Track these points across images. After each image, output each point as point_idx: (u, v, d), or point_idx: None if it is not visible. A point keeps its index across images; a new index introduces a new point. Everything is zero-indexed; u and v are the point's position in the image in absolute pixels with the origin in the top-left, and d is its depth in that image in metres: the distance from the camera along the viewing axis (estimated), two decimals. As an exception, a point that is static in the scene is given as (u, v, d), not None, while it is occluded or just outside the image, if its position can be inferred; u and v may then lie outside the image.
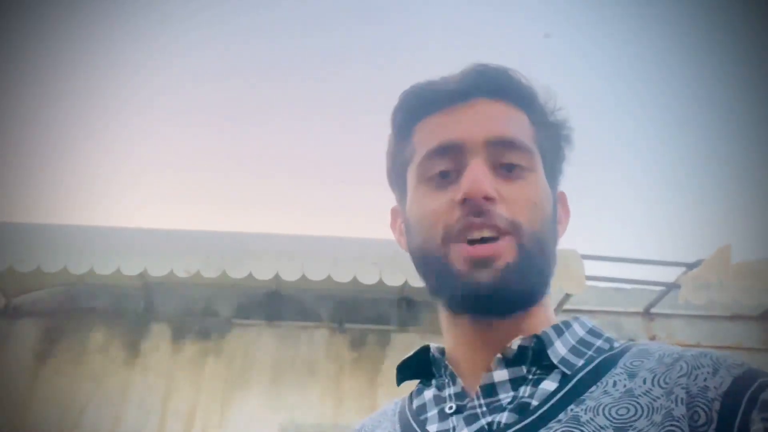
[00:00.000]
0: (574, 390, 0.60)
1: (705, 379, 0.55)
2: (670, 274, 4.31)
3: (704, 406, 0.53)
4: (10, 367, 3.87)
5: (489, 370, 0.64)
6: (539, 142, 0.71)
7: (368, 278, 3.67)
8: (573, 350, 0.65)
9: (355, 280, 3.67)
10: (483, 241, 0.64)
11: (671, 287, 4.20)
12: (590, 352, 0.66)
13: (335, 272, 3.68)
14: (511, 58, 0.76)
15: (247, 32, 8.66)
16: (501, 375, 0.63)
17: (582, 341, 0.67)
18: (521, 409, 0.60)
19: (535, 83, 0.74)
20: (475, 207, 0.64)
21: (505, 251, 0.63)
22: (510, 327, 0.66)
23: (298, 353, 4.05)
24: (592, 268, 4.35)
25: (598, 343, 0.68)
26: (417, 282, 3.31)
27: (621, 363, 0.62)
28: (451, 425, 0.63)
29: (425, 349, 0.74)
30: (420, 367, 0.74)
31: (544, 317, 0.69)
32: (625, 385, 0.59)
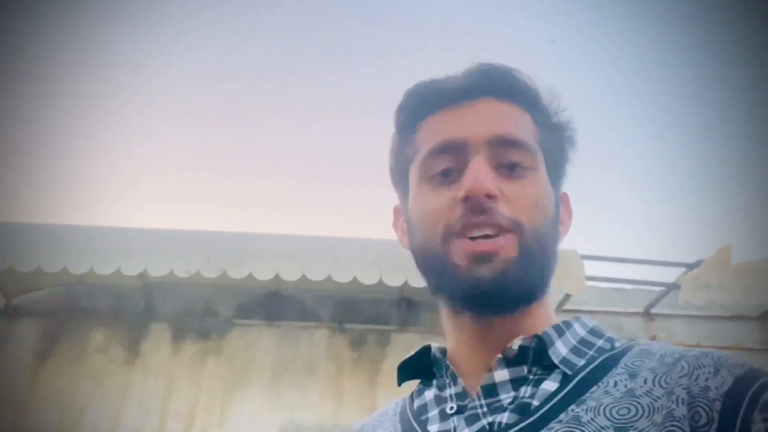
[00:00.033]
0: (575, 390, 0.60)
1: (706, 379, 0.55)
2: (670, 275, 4.32)
3: (705, 407, 0.53)
4: (10, 367, 3.86)
5: (490, 370, 0.64)
6: (542, 142, 0.71)
7: (368, 278, 3.67)
8: (574, 350, 0.65)
9: (355, 281, 3.67)
10: (484, 238, 0.64)
11: (671, 287, 4.20)
12: (591, 352, 0.66)
13: (335, 272, 3.68)
14: (511, 58, 0.76)
15: (247, 32, 8.67)
16: (502, 375, 0.63)
17: (583, 341, 0.67)
18: (522, 409, 0.60)
19: (539, 84, 0.74)
20: (476, 205, 0.64)
21: (505, 247, 0.63)
22: (511, 326, 0.66)
23: (298, 353, 4.05)
24: (592, 268, 4.36)
25: (599, 343, 0.68)
26: (417, 282, 3.31)
27: (622, 363, 0.62)
28: (452, 425, 0.63)
29: (426, 349, 0.74)
30: (421, 367, 0.74)
31: (544, 317, 0.69)
32: (626, 385, 0.58)
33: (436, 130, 0.71)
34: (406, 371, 0.75)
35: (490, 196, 0.64)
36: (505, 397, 0.62)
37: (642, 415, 0.54)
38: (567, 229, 0.76)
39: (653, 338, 4.10)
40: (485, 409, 0.62)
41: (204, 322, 4.13)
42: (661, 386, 0.57)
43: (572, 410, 0.58)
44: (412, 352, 0.74)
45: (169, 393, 3.86)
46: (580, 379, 0.61)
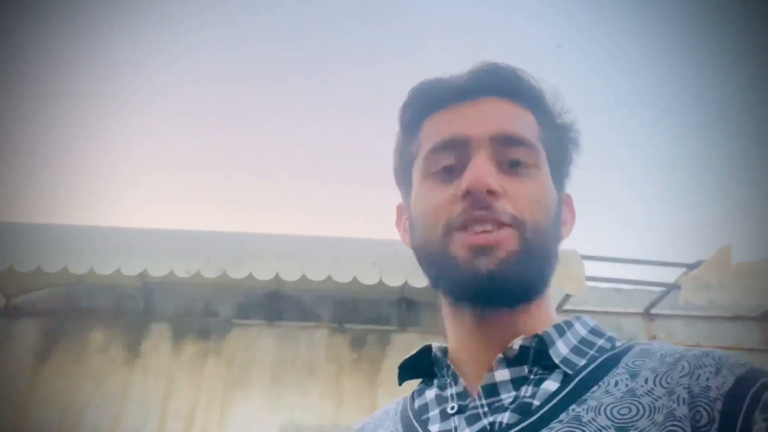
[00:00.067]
0: (576, 390, 0.60)
1: (707, 379, 0.55)
2: (670, 275, 4.32)
3: (706, 406, 0.53)
4: (10, 367, 3.86)
5: (491, 370, 0.64)
6: (545, 141, 0.71)
7: (368, 278, 3.67)
8: (575, 350, 0.65)
9: (355, 281, 3.67)
10: (485, 233, 0.64)
11: (671, 288, 4.20)
12: (592, 352, 0.65)
13: (335, 272, 3.68)
14: (511, 58, 0.76)
15: (247, 32, 8.67)
16: (502, 375, 0.63)
17: (584, 341, 0.67)
18: (523, 409, 0.60)
19: (544, 85, 0.74)
20: (477, 200, 0.64)
21: (506, 241, 0.64)
22: (511, 324, 0.66)
23: (298, 353, 4.05)
24: (592, 268, 4.36)
25: (600, 342, 0.68)
26: (417, 282, 3.32)
27: (623, 362, 0.62)
28: (453, 425, 0.63)
29: (427, 349, 0.74)
30: (422, 367, 0.74)
31: (545, 316, 0.69)
32: (626, 385, 0.58)
33: (439, 128, 0.71)
34: (407, 370, 0.75)
35: (491, 192, 0.64)
36: (506, 396, 0.62)
37: (643, 415, 0.54)
38: (570, 230, 0.76)
39: (653, 338, 4.10)
40: (486, 408, 0.62)
41: (204, 322, 4.13)
42: (662, 386, 0.57)
43: (573, 410, 0.58)
44: (413, 352, 0.74)
45: (169, 393, 3.86)
46: (580, 379, 0.61)
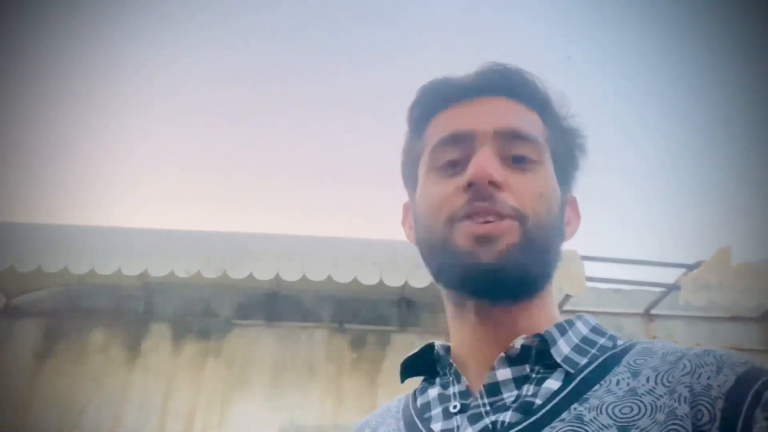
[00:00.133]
0: (578, 389, 0.60)
1: (708, 378, 0.55)
2: (670, 276, 4.32)
3: (707, 405, 0.53)
4: (10, 367, 3.86)
5: (493, 368, 0.64)
6: (551, 142, 0.72)
7: (368, 279, 3.67)
8: (576, 349, 0.65)
9: (355, 281, 3.67)
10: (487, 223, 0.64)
11: (671, 288, 4.20)
12: (594, 351, 0.66)
13: (335, 273, 3.68)
14: (512, 57, 0.76)
15: (247, 32, 8.67)
16: (504, 374, 0.63)
17: (585, 339, 0.67)
18: (525, 408, 0.60)
19: (550, 88, 0.75)
20: (480, 191, 0.64)
21: (508, 232, 0.64)
22: (513, 322, 0.67)
23: (298, 354, 4.05)
24: (592, 269, 4.36)
25: (602, 341, 0.68)
26: (417, 283, 3.31)
27: (624, 361, 0.62)
28: (456, 424, 0.63)
29: (430, 347, 0.74)
30: (424, 365, 0.74)
31: (547, 314, 0.69)
32: (628, 384, 0.59)
33: (445, 124, 0.72)
34: (409, 368, 0.75)
35: (493, 184, 0.65)
36: (508, 395, 0.62)
37: (644, 414, 0.54)
38: (574, 231, 0.77)
39: (653, 339, 4.10)
40: (488, 408, 0.62)
41: (204, 322, 4.13)
42: (663, 384, 0.57)
43: (575, 409, 0.58)
44: (416, 350, 0.74)
45: (169, 393, 3.86)
46: (582, 378, 0.61)
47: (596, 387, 0.60)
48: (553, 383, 0.61)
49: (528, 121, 0.71)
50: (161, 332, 4.07)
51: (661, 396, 0.55)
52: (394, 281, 3.66)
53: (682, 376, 0.56)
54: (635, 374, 0.60)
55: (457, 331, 0.72)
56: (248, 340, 4.08)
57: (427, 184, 0.71)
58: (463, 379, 0.67)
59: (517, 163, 0.68)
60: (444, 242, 0.66)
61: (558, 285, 3.47)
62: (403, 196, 0.82)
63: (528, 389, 0.62)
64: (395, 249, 3.71)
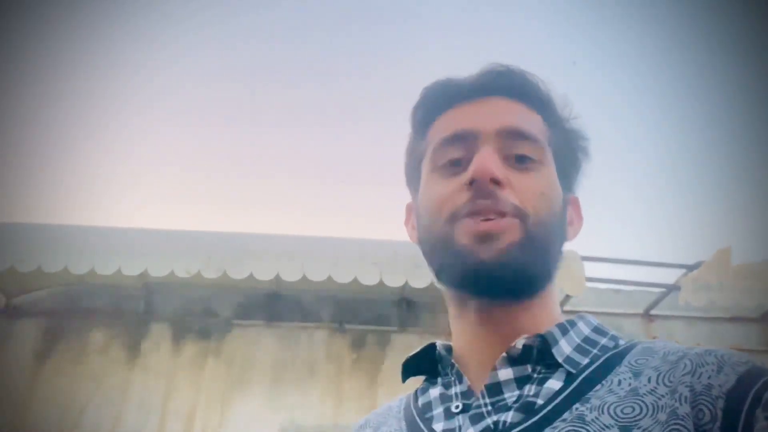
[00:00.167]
0: (579, 389, 0.60)
1: (709, 377, 0.55)
2: (670, 276, 4.32)
3: (709, 404, 0.53)
4: (10, 367, 3.86)
5: (494, 368, 0.64)
6: (553, 143, 0.72)
7: (368, 279, 3.67)
8: (578, 349, 0.65)
9: (355, 281, 3.67)
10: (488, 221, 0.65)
11: (671, 289, 4.20)
12: (595, 351, 0.66)
13: (336, 273, 3.68)
14: (513, 58, 0.76)
15: (248, 33, 8.67)
16: (506, 374, 0.63)
17: (587, 339, 0.67)
18: (526, 408, 0.60)
19: (553, 90, 0.75)
20: (482, 189, 0.65)
21: (509, 229, 0.64)
22: (515, 322, 0.67)
23: (298, 354, 4.05)
24: (591, 269, 4.36)
25: (603, 341, 0.68)
26: (417, 283, 3.31)
27: (626, 361, 0.63)
28: (457, 424, 0.63)
29: (431, 347, 0.74)
30: (426, 365, 0.74)
31: (549, 314, 0.69)
32: (630, 384, 0.59)
33: (447, 124, 0.73)
34: (410, 368, 0.75)
35: (495, 181, 0.65)
36: (510, 396, 0.62)
37: (646, 414, 0.54)
38: (576, 232, 0.77)
39: (653, 339, 4.10)
40: (490, 408, 0.62)
41: (204, 322, 4.13)
42: (664, 384, 0.57)
43: (576, 409, 0.58)
44: (418, 349, 0.74)
45: (169, 393, 3.86)
46: (584, 378, 0.61)
47: (598, 387, 0.60)
48: (554, 383, 0.61)
49: (530, 121, 0.72)
50: (161, 332, 4.07)
51: (662, 396, 0.56)
52: (394, 281, 3.66)
53: (683, 375, 0.56)
54: (637, 374, 0.60)
55: (458, 331, 0.72)
56: (248, 340, 4.08)
57: (430, 183, 0.72)
58: (465, 379, 0.67)
59: (519, 162, 0.69)
60: (446, 240, 0.67)
61: (558, 285, 3.47)
62: (404, 196, 0.83)
63: (529, 389, 0.62)
64: (395, 249, 3.71)
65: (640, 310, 4.40)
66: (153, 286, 4.13)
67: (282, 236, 4.04)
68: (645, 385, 0.58)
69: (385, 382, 3.92)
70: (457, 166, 0.69)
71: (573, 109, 0.76)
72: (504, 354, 0.64)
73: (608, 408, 0.57)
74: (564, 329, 0.67)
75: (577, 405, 0.58)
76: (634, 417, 0.55)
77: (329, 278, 3.67)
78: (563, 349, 0.64)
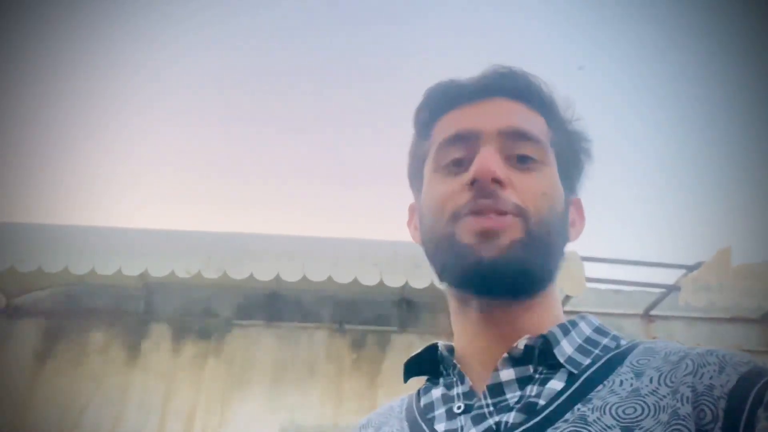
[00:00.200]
0: (581, 389, 0.60)
1: (711, 377, 0.55)
2: (670, 276, 4.32)
3: (710, 404, 0.53)
4: (10, 367, 3.86)
5: (496, 369, 0.64)
6: (555, 144, 0.73)
7: (369, 279, 3.67)
8: (579, 349, 0.66)
9: (355, 281, 3.67)
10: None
11: (671, 289, 4.20)
12: (597, 351, 0.66)
13: (336, 273, 3.68)
14: (513, 58, 0.76)
15: (248, 32, 8.68)
16: (508, 374, 0.64)
17: (588, 340, 0.67)
18: (528, 408, 0.60)
19: (556, 92, 0.76)
20: (483, 188, 0.65)
21: (511, 228, 0.65)
22: (516, 321, 0.67)
23: (298, 354, 4.05)
24: (591, 269, 4.36)
25: (605, 341, 0.68)
26: (417, 283, 3.31)
27: (627, 362, 0.63)
28: (459, 424, 0.63)
29: (433, 347, 0.74)
30: (428, 365, 0.74)
31: (551, 314, 0.70)
32: (631, 384, 0.59)
33: (450, 124, 0.73)
34: (412, 368, 0.75)
35: (496, 181, 0.65)
36: (512, 396, 0.62)
37: (648, 414, 0.55)
38: (578, 233, 0.77)
39: (654, 339, 4.10)
40: (492, 408, 0.62)
41: (204, 322, 4.13)
42: (666, 385, 0.57)
43: (578, 409, 0.58)
44: (420, 350, 0.74)
45: (170, 393, 3.86)
46: (585, 378, 0.61)
47: (599, 387, 0.60)
48: (556, 384, 0.61)
49: (532, 122, 0.72)
50: (161, 332, 4.07)
51: (664, 396, 0.56)
52: (394, 282, 3.66)
53: (685, 376, 0.57)
54: (638, 374, 0.60)
55: (460, 331, 0.72)
56: (248, 340, 4.08)
57: (432, 183, 0.72)
58: (467, 379, 0.67)
59: (521, 162, 0.69)
60: (448, 239, 0.67)
61: (558, 285, 3.47)
62: (404, 196, 0.83)
63: (531, 390, 0.62)
64: (395, 249, 3.71)
65: (640, 311, 4.40)
66: (153, 286, 4.13)
67: (282, 236, 4.04)
68: (647, 386, 0.58)
69: (385, 383, 3.92)
70: (459, 166, 0.70)
71: (575, 110, 0.77)
72: (506, 354, 0.65)
73: (610, 408, 0.57)
74: (565, 329, 0.67)
75: (578, 405, 0.58)
76: (636, 417, 0.55)
77: (329, 278, 3.67)
78: (565, 349, 0.64)
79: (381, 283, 3.66)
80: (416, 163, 0.78)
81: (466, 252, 0.65)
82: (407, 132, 0.81)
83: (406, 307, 4.23)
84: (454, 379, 0.69)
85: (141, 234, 3.96)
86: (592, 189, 0.80)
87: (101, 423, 3.73)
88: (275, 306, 4.21)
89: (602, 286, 4.46)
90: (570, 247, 0.75)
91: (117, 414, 3.76)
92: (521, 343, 0.64)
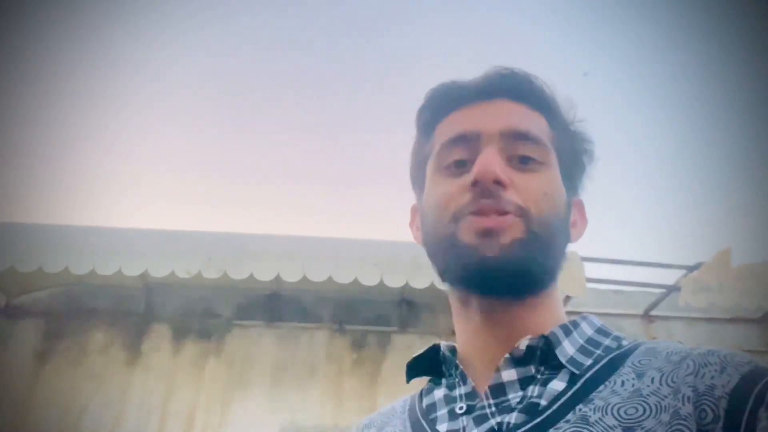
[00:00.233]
0: (583, 390, 0.60)
1: (712, 377, 0.55)
2: (670, 277, 4.32)
3: (711, 404, 0.53)
4: (10, 367, 3.87)
5: (498, 369, 0.65)
6: (557, 145, 0.73)
7: (369, 279, 3.67)
8: (581, 350, 0.66)
9: (355, 282, 3.67)
10: None
11: (671, 290, 4.20)
12: (598, 352, 0.66)
13: (336, 273, 3.68)
14: (512, 58, 0.77)
15: (249, 33, 8.68)
16: (509, 375, 0.64)
17: (590, 340, 0.68)
18: (530, 409, 0.60)
19: (558, 93, 0.76)
20: (485, 189, 0.65)
21: (512, 227, 0.65)
22: (518, 322, 0.67)
23: (298, 354, 4.05)
24: (592, 270, 4.36)
25: (607, 342, 0.68)
26: (417, 283, 3.31)
27: (629, 362, 0.63)
28: (461, 425, 0.63)
29: (436, 348, 0.74)
30: (430, 365, 0.74)
31: (553, 315, 0.70)
32: (633, 385, 0.59)
33: (452, 125, 0.73)
34: (414, 368, 0.75)
35: (498, 182, 0.65)
36: (513, 397, 0.62)
37: (649, 415, 0.55)
38: (580, 234, 0.77)
39: (655, 339, 4.10)
40: (494, 409, 0.62)
41: (205, 322, 4.13)
42: (667, 385, 0.57)
43: (580, 410, 0.58)
44: (422, 350, 0.75)
45: (170, 394, 3.86)
46: (587, 379, 0.62)
47: (601, 388, 0.60)
48: (558, 384, 0.62)
49: (533, 123, 0.72)
50: (162, 332, 4.07)
51: (665, 396, 0.56)
52: (394, 282, 3.66)
53: (686, 376, 0.57)
54: (640, 375, 0.60)
55: (462, 332, 0.72)
56: (249, 340, 4.08)
57: (434, 183, 0.72)
58: (469, 380, 0.67)
59: (523, 163, 0.69)
60: (450, 239, 0.67)
61: (560, 286, 3.47)
62: (404, 196, 0.83)
63: (533, 390, 0.62)
64: (396, 250, 3.71)
65: (640, 311, 4.40)
66: (153, 287, 4.13)
67: (282, 236, 4.04)
68: (648, 386, 0.58)
69: (386, 383, 3.92)
70: (461, 167, 0.70)
71: (577, 111, 0.77)
72: (507, 355, 0.65)
73: (612, 409, 0.57)
74: (567, 330, 0.67)
75: (580, 406, 0.58)
76: (638, 418, 0.55)
77: (329, 279, 3.67)
78: (566, 350, 0.65)
79: (381, 284, 3.66)
80: (418, 163, 0.78)
81: (467, 251, 0.65)
82: (408, 133, 0.82)
83: (407, 308, 4.23)
84: (457, 379, 0.69)
85: (141, 234, 3.96)
86: (592, 189, 0.80)
87: (101, 423, 3.73)
88: (275, 306, 4.21)
89: (602, 287, 4.46)
90: (570, 248, 0.75)
91: (117, 414, 3.76)
92: (523, 344, 0.64)
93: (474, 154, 0.69)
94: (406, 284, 3.67)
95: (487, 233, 0.64)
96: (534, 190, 0.67)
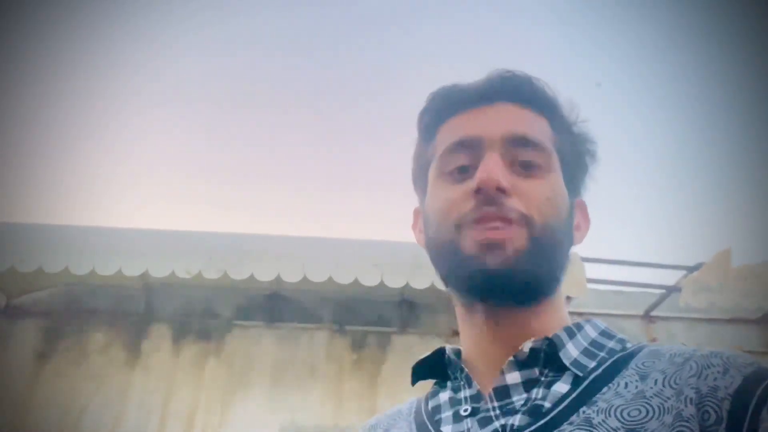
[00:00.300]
0: (586, 392, 0.60)
1: (715, 379, 0.55)
2: (670, 277, 4.32)
3: (714, 406, 0.53)
4: (10, 367, 3.86)
5: (502, 372, 0.65)
6: (559, 148, 0.73)
7: (369, 280, 3.67)
8: (585, 352, 0.66)
9: (356, 282, 3.67)
10: (494, 229, 0.65)
11: (671, 290, 4.20)
12: (602, 354, 0.66)
13: (336, 274, 3.68)
14: (512, 59, 0.76)
15: (249, 33, 8.68)
16: (513, 377, 0.64)
17: (594, 343, 0.68)
18: (534, 411, 0.60)
19: (560, 94, 0.76)
20: (487, 197, 0.65)
21: (515, 238, 0.64)
22: (522, 325, 0.67)
23: (298, 355, 4.05)
24: (592, 270, 4.35)
25: (610, 344, 0.68)
26: (418, 284, 3.30)
27: (632, 364, 0.63)
28: (466, 427, 0.63)
29: (441, 350, 0.74)
30: (435, 368, 0.74)
31: (557, 317, 0.70)
32: (636, 387, 0.59)
33: (454, 130, 0.73)
34: (420, 371, 0.75)
35: (501, 190, 0.65)
36: (517, 399, 0.63)
37: (653, 417, 0.55)
38: (583, 236, 0.77)
39: (653, 341, 4.10)
40: (498, 411, 0.62)
41: (205, 323, 4.13)
42: (671, 386, 0.57)
43: (583, 412, 0.58)
44: (427, 353, 0.75)
45: (170, 394, 3.86)
46: (591, 381, 0.62)
47: (605, 390, 0.60)
48: (561, 386, 0.62)
49: (536, 127, 0.72)
50: (162, 333, 4.07)
51: (668, 398, 0.56)
52: (394, 282, 3.66)
53: (689, 377, 0.57)
54: (643, 377, 0.60)
55: (466, 335, 0.72)
56: (249, 340, 4.08)
57: (437, 189, 0.72)
58: (474, 383, 0.67)
59: (525, 168, 0.69)
60: (452, 247, 0.67)
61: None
62: (405, 198, 0.83)
63: (537, 393, 0.62)
64: (396, 250, 3.71)
65: (641, 312, 4.40)
66: (153, 287, 4.13)
67: (283, 237, 4.04)
68: (651, 388, 0.58)
69: (386, 383, 3.92)
70: (463, 172, 0.70)
71: (579, 112, 0.76)
72: (511, 357, 0.65)
73: (615, 411, 0.57)
74: (571, 333, 0.67)
75: (584, 408, 0.59)
76: (641, 420, 0.55)
77: (330, 279, 3.67)
78: (570, 352, 0.65)
79: (381, 284, 3.66)
80: (420, 167, 0.78)
81: (470, 262, 0.65)
82: (408, 134, 0.82)
83: (407, 308, 4.23)
84: (462, 382, 0.69)
85: (141, 234, 3.95)
86: (592, 190, 0.80)
87: (101, 423, 3.73)
88: (276, 306, 4.21)
89: (603, 287, 4.46)
90: (571, 249, 0.75)
91: (117, 414, 3.76)
92: (527, 346, 0.64)
93: (476, 159, 0.69)
94: (407, 285, 3.66)
95: (490, 245, 0.64)
96: (537, 196, 0.67)
